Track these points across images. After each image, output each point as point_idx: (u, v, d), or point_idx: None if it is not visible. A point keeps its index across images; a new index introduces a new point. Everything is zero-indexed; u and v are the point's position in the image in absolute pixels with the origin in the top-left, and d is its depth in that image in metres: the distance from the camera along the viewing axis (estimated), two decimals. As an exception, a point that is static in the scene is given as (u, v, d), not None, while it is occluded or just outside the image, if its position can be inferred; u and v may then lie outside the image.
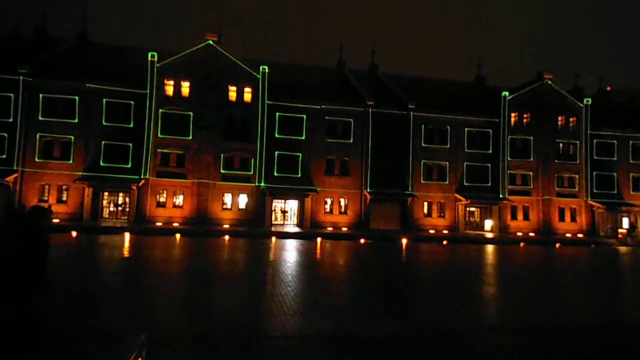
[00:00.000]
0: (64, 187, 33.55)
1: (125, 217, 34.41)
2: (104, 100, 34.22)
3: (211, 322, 8.71)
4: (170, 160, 35.15)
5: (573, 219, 41.67)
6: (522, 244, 32.45)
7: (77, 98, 33.86)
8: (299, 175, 37.04)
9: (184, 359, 6.55)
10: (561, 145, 42.14)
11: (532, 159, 41.29)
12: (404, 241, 28.87)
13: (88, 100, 33.98)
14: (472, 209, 41.07)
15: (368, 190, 37.88)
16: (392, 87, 42.81)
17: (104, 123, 34.21)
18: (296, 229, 34.14)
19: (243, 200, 36.07)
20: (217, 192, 35.57)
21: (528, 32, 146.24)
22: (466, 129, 40.44)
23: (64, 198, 33.55)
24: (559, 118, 42.20)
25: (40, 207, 5.44)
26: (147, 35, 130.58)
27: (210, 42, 36.22)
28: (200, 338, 7.47)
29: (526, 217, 40.94)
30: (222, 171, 35.69)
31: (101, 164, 34.01)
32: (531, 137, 41.34)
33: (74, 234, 25.87)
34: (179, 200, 35.18)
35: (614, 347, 7.80)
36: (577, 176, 42.02)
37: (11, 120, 32.61)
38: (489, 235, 37.05)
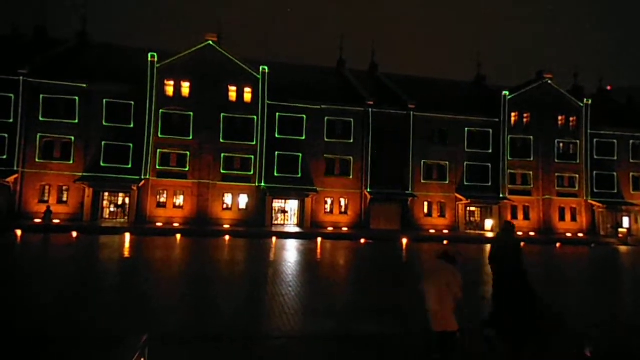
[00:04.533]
0: (64, 187, 33.56)
1: (126, 218, 34.42)
2: (104, 100, 34.22)
3: (213, 322, 8.72)
4: (170, 161, 35.14)
5: (573, 219, 41.66)
6: (522, 244, 32.40)
7: (77, 98, 33.87)
8: (299, 175, 37.04)
9: (185, 359, 6.56)
10: (561, 144, 42.13)
11: (532, 159, 41.28)
12: (404, 241, 28.86)
13: (88, 101, 33.98)
14: (473, 208, 41.07)
15: (368, 190, 37.88)
16: (392, 87, 42.81)
17: (104, 123, 34.21)
18: (296, 229, 34.14)
19: (243, 200, 36.07)
20: (218, 192, 35.58)
21: (529, 32, 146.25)
22: (466, 129, 40.43)
23: (65, 198, 33.55)
24: (559, 118, 42.19)
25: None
26: (147, 36, 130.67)
27: (210, 42, 36.21)
28: (202, 338, 7.47)
29: (526, 217, 40.93)
30: (222, 171, 35.69)
31: (101, 164, 34.00)
32: (531, 137, 41.33)
33: (74, 234, 25.89)
34: (180, 200, 35.18)
35: (610, 347, 7.79)
36: (577, 176, 42.01)
37: (11, 120, 32.62)
38: (490, 235, 37.02)
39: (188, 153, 35.21)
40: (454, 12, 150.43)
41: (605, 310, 11.13)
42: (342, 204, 38.03)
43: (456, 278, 6.00)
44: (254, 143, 36.18)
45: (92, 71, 35.35)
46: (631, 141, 43.10)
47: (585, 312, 10.84)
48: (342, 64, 47.44)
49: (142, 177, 34.17)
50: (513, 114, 41.37)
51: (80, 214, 33.24)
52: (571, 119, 42.36)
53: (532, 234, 38.86)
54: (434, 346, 6.09)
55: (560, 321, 5.57)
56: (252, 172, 36.09)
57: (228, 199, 35.88)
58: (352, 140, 38.09)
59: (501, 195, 40.32)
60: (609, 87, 53.78)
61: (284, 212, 37.64)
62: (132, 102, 34.64)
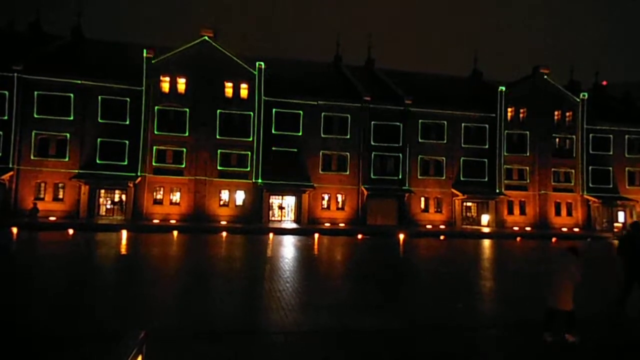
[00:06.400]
0: (60, 184, 33.43)
1: (122, 215, 34.34)
2: (100, 97, 34.07)
3: (210, 318, 8.72)
4: (166, 157, 35.06)
5: (569, 214, 41.87)
6: (518, 239, 32.56)
7: (72, 95, 33.69)
8: (296, 171, 37.02)
9: (184, 355, 6.55)
10: (557, 140, 42.26)
11: (528, 154, 41.41)
12: (401, 236, 28.92)
13: (83, 98, 33.81)
14: (469, 204, 41.20)
15: (365, 186, 37.91)
16: (389, 83, 42.79)
17: (99, 120, 34.08)
18: (293, 225, 34.15)
19: (240, 196, 36.04)
20: (214, 188, 35.53)
21: (525, 28, 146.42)
22: (463, 124, 40.50)
23: (60, 196, 33.44)
24: (556, 113, 42.31)
25: None
26: (143, 31, 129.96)
27: (206, 37, 36.07)
28: (199, 334, 7.47)
29: (523, 212, 41.11)
30: (219, 168, 35.63)
31: (97, 161, 33.88)
32: (527, 132, 41.45)
33: (70, 231, 25.80)
34: (176, 197, 35.12)
35: (610, 341, 7.85)
36: (573, 171, 42.20)
37: (6, 117, 32.43)
38: (486, 230, 37.17)
39: (184, 150, 35.13)
40: (451, 7, 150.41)
41: (605, 302, 11.21)
42: (339, 199, 38.07)
43: (578, 267, 7.37)
44: (251, 139, 36.12)
45: (88, 67, 35.15)
46: (627, 136, 43.30)
47: (584, 303, 10.88)
48: (339, 59, 47.36)
49: (139, 174, 34.09)
50: (509, 109, 41.46)
51: (76, 211, 33.15)
52: (567, 114, 42.48)
53: (528, 228, 39.02)
54: (545, 323, 7.38)
55: None
56: (248, 169, 36.05)
57: (225, 195, 35.85)
58: (348, 136, 38.09)
59: (497, 191, 40.46)
60: (604, 83, 53.93)
61: (280, 208, 37.65)
62: (128, 99, 34.50)
